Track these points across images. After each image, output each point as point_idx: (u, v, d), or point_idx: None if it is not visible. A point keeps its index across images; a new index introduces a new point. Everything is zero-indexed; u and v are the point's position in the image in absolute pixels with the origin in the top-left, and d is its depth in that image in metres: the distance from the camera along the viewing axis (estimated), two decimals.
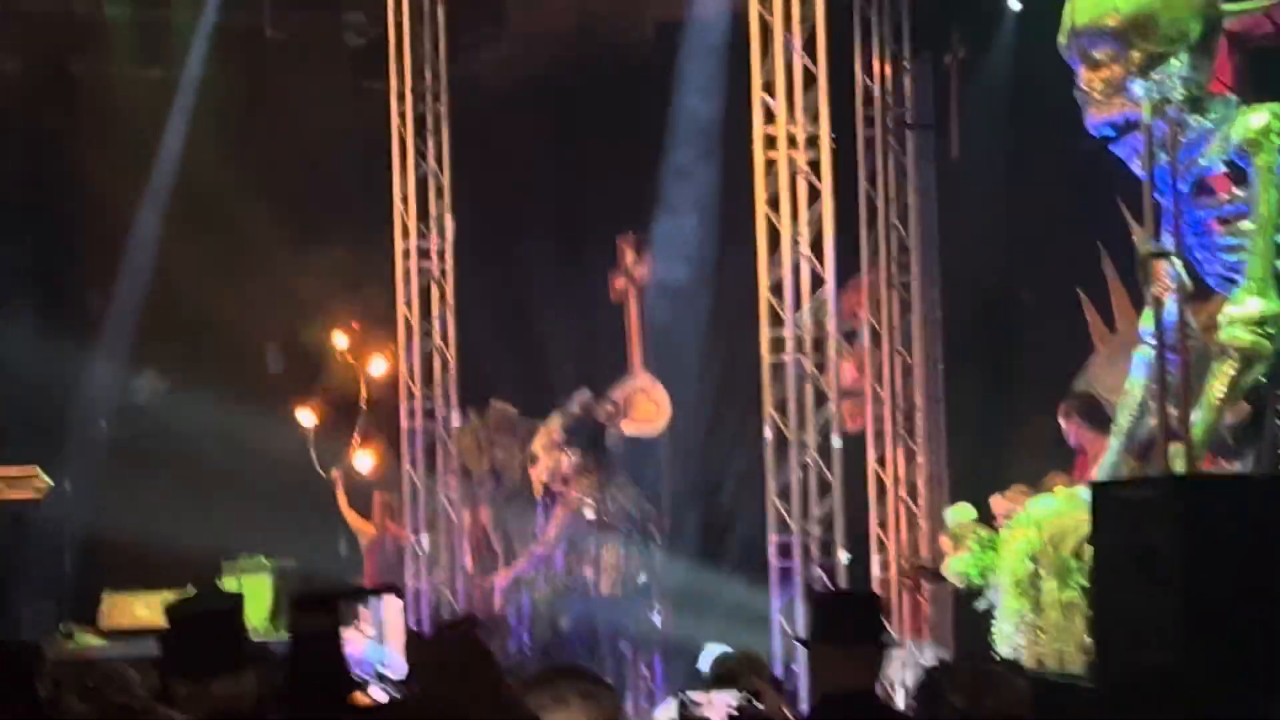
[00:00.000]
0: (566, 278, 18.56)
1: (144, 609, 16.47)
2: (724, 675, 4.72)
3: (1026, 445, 14.74)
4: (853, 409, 15.58)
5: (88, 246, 20.83)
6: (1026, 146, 15.06)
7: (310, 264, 19.70)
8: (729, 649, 9.38)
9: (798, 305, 14.17)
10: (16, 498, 16.68)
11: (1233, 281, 10.08)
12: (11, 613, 16.71)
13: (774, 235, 14.25)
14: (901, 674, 13.45)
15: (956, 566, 11.75)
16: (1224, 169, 10.19)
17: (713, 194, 16.34)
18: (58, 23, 19.50)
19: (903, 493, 15.79)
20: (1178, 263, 8.91)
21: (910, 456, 15.87)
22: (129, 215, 19.97)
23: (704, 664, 7.81)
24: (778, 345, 14.28)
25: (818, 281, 14.20)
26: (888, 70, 15.89)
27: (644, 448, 17.32)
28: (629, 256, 17.90)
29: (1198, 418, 9.47)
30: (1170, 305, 9.16)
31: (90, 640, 16.09)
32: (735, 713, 4.71)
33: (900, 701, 11.49)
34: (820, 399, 14.25)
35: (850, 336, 15.72)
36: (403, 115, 17.09)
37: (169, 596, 15.82)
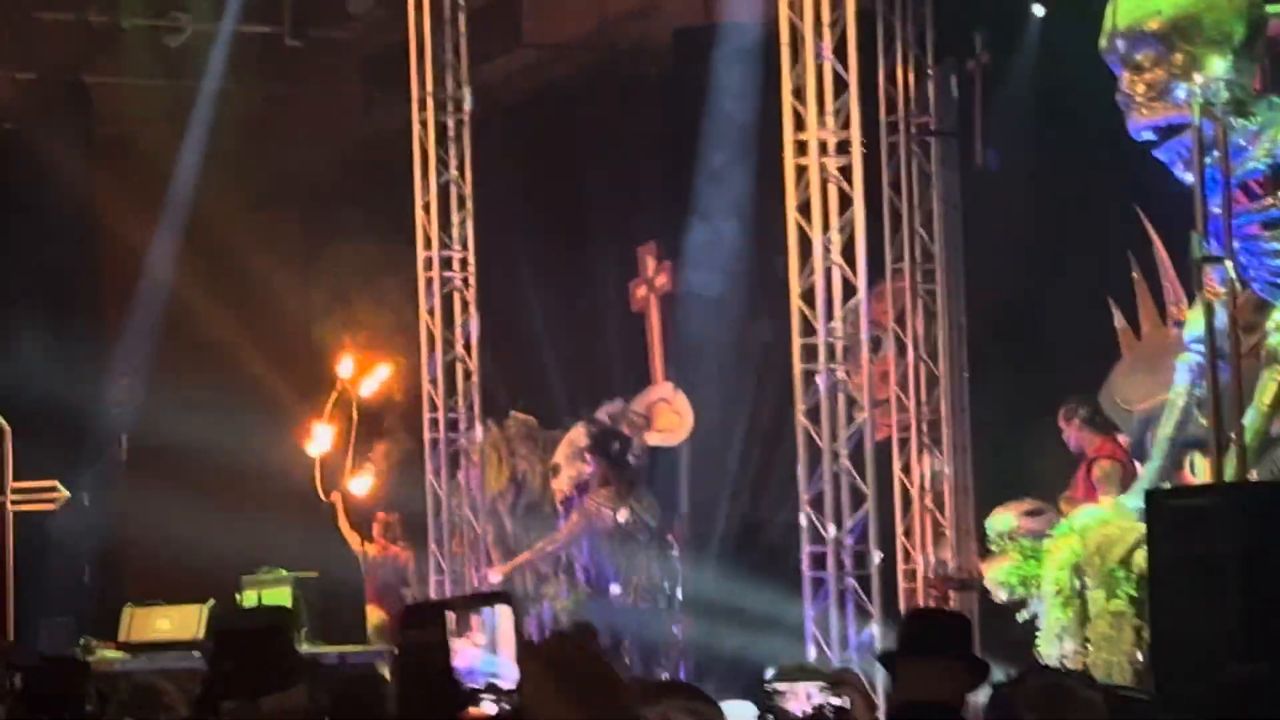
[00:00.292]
0: (586, 287, 18.48)
1: (164, 623, 16.37)
2: (828, 679, 4.60)
3: (1053, 454, 14.62)
4: (878, 418, 15.47)
5: (105, 259, 20.78)
6: (1051, 153, 14.94)
7: (327, 273, 19.64)
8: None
9: (829, 312, 14.07)
10: (35, 510, 16.63)
11: (1279, 287, 9.98)
12: (31, 627, 16.66)
13: (804, 242, 14.15)
14: None
15: (998, 576, 11.62)
16: (1267, 172, 10.09)
17: (741, 200, 16.23)
18: (72, 33, 19.42)
19: (928, 502, 15.66)
20: (1230, 267, 8.79)
21: (936, 466, 15.73)
22: (146, 228, 19.90)
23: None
24: (809, 353, 14.17)
25: (849, 288, 14.09)
26: (911, 77, 15.77)
27: (666, 457, 17.22)
28: (650, 265, 17.82)
29: (1247, 424, 9.36)
30: (1219, 311, 9.05)
31: (110, 654, 15.99)
32: (816, 708, 4.57)
33: None
34: (851, 407, 14.15)
35: (875, 344, 15.60)
36: (424, 123, 16.99)
37: (189, 610, 15.84)
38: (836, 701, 4.50)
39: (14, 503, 16.55)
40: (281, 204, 20.82)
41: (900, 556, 15.44)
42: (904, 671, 5.58)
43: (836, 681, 4.54)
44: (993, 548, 12.08)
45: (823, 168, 14.03)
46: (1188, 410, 10.20)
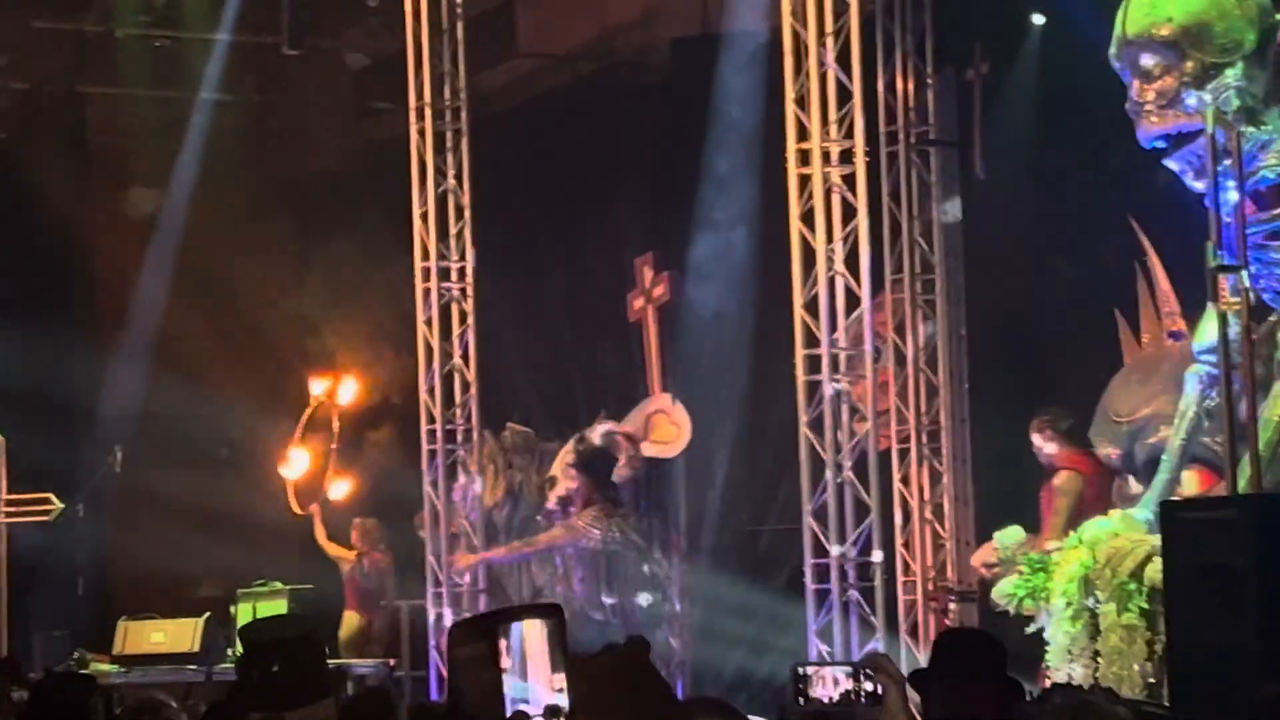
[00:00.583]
0: (583, 298, 18.41)
1: (159, 636, 16.30)
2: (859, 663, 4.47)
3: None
4: (878, 428, 15.40)
5: (99, 269, 20.69)
6: (1050, 163, 14.88)
7: (322, 284, 19.57)
8: None
9: (832, 323, 13.99)
10: (29, 522, 16.55)
11: None
12: (25, 640, 16.57)
13: (807, 252, 14.08)
14: None
15: (1005, 590, 11.52)
16: (1276, 181, 10.01)
17: (741, 211, 16.16)
18: (67, 43, 19.33)
19: (928, 513, 15.58)
20: (1246, 276, 8.72)
21: (935, 476, 15.66)
22: (140, 238, 19.82)
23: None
24: (812, 364, 14.10)
25: (851, 299, 14.02)
26: (910, 86, 15.71)
27: (664, 469, 17.14)
28: (647, 276, 17.74)
29: (1258, 435, 9.28)
30: (1232, 321, 8.97)
31: (104, 667, 15.92)
32: (844, 694, 4.44)
33: None
34: (853, 418, 14.08)
35: (874, 355, 15.53)
36: (422, 132, 16.91)
37: (184, 623, 15.75)
38: (869, 686, 4.37)
39: (8, 515, 16.48)
40: (275, 214, 20.72)
41: (900, 568, 15.37)
42: (937, 692, 5.50)
43: (869, 666, 4.41)
44: (999, 561, 11.99)
45: (826, 177, 13.96)
46: (1197, 421, 10.13)
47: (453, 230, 16.96)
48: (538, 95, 19.17)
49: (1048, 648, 10.45)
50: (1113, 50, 10.34)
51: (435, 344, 16.91)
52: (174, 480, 19.01)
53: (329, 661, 5.39)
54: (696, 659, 16.49)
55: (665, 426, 17.18)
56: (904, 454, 15.55)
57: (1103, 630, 9.94)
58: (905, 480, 15.54)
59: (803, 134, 14.12)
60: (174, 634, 16.17)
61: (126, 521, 19.11)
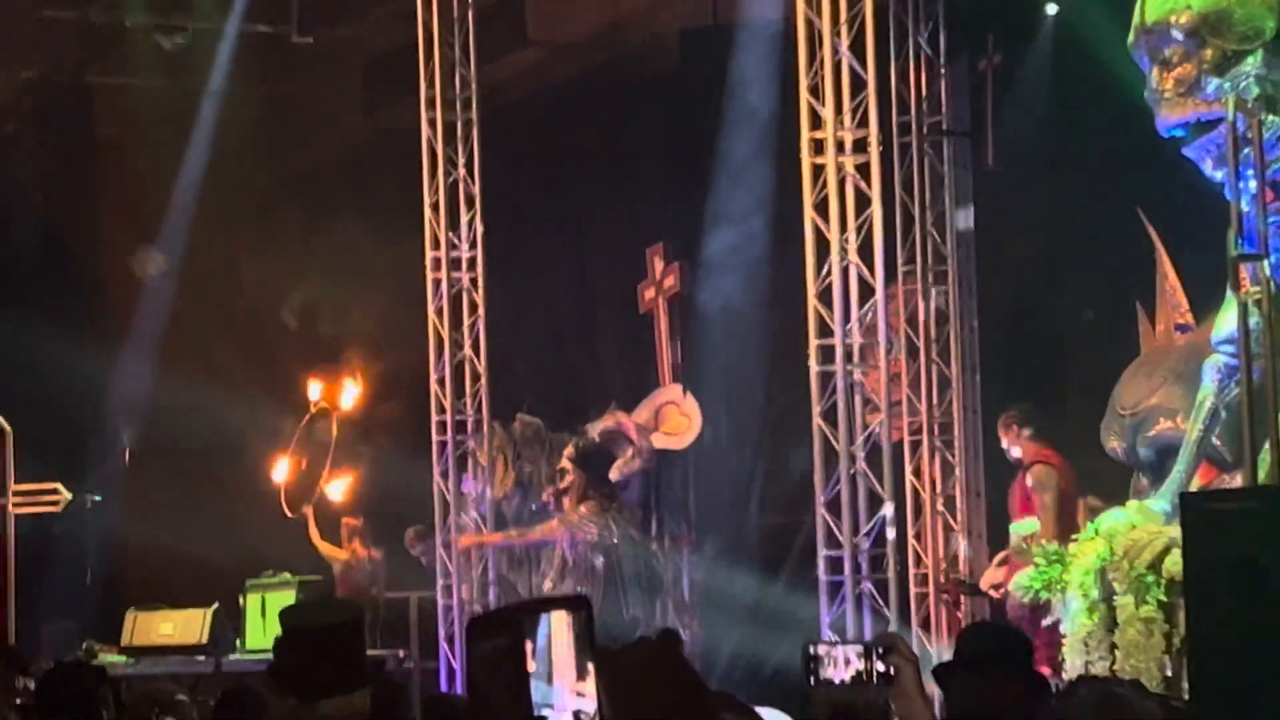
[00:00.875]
0: (594, 288, 18.34)
1: (167, 626, 16.26)
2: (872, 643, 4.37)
3: (1065, 455, 14.48)
4: (891, 419, 15.33)
5: (109, 260, 20.64)
6: (1064, 153, 14.81)
7: (331, 274, 19.53)
8: None
9: (846, 312, 13.92)
10: (37, 512, 16.50)
11: None
12: (33, 630, 16.54)
13: (821, 241, 14.01)
14: None
15: (1022, 582, 11.43)
16: None
17: (754, 201, 16.09)
18: (75, 33, 19.27)
19: (940, 505, 15.51)
20: (1266, 265, 8.63)
21: (947, 469, 15.59)
22: (150, 229, 19.77)
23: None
24: (826, 354, 14.03)
25: (865, 288, 13.95)
26: (923, 77, 15.63)
27: (674, 460, 17.07)
28: (658, 267, 17.68)
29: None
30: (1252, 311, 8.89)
31: (112, 658, 15.88)
32: (856, 674, 4.33)
33: None
34: (865, 409, 14.01)
35: (887, 346, 15.45)
36: (432, 122, 16.85)
37: (192, 614, 15.71)
38: (880, 667, 4.27)
39: (16, 505, 16.40)
40: (284, 204, 20.67)
41: (912, 560, 15.31)
42: (960, 687, 5.41)
43: (881, 646, 4.31)
44: (1016, 552, 11.90)
45: (840, 166, 13.89)
46: (1215, 413, 10.05)
47: (463, 220, 16.90)
48: (548, 86, 19.11)
49: (1064, 641, 10.38)
50: (1131, 38, 10.26)
51: (445, 334, 16.84)
52: (182, 471, 18.96)
53: (367, 652, 5.27)
54: (706, 651, 16.42)
55: (675, 418, 17.12)
56: (915, 446, 15.48)
57: (1120, 623, 9.86)
58: (917, 472, 15.47)
59: (816, 123, 14.05)
60: (182, 625, 16.12)
61: (135, 512, 19.07)
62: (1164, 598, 9.79)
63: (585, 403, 17.48)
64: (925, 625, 15.03)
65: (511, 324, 17.57)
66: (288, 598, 16.17)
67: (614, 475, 16.48)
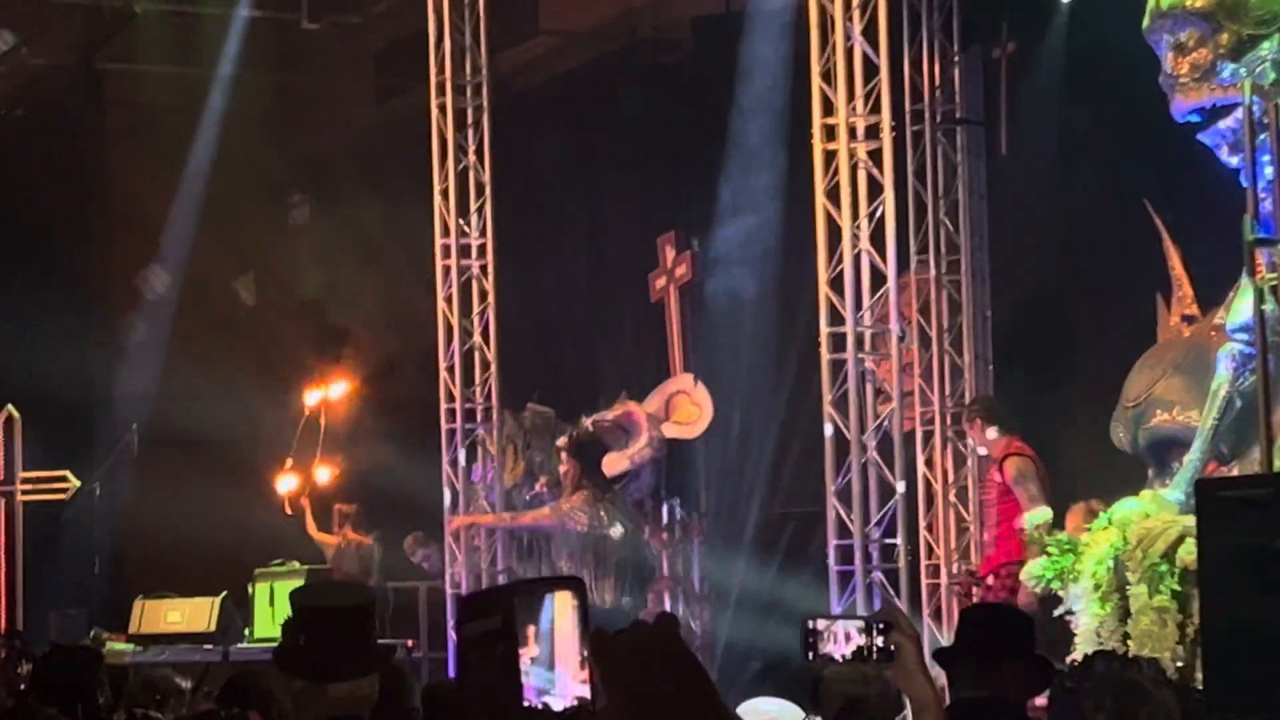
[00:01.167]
0: (605, 276, 18.29)
1: (175, 615, 16.20)
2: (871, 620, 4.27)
3: (1078, 448, 14.41)
4: (902, 409, 15.26)
5: (119, 246, 20.62)
6: (1077, 142, 14.73)
7: (341, 260, 19.49)
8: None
9: (858, 300, 13.84)
10: (46, 500, 16.48)
11: None
12: (41, 617, 16.51)
13: (832, 229, 13.93)
14: None
15: (1034, 571, 11.35)
16: None
17: (765, 189, 16.02)
18: (85, 18, 19.22)
19: (952, 496, 15.43)
20: None
21: (959, 459, 15.51)
22: (160, 215, 19.74)
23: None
24: (837, 342, 13.95)
25: (877, 276, 13.87)
26: (937, 65, 15.55)
27: (685, 449, 17.01)
28: (669, 256, 17.61)
29: None
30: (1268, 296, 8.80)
31: (120, 646, 15.83)
32: (856, 650, 4.23)
33: None
34: (878, 398, 13.94)
35: (899, 335, 15.38)
36: (442, 108, 16.78)
37: (200, 603, 15.67)
38: (881, 643, 4.17)
39: (25, 493, 16.39)
40: (295, 190, 20.64)
41: (924, 551, 15.24)
42: (962, 670, 5.33)
43: (881, 622, 4.21)
44: (1029, 541, 11.81)
45: (852, 153, 13.81)
46: (1230, 401, 9.96)
47: (473, 207, 16.84)
48: (560, 74, 19.06)
49: (1076, 631, 10.29)
50: (1146, 22, 10.17)
51: (455, 322, 16.78)
52: (191, 459, 18.92)
53: (376, 637, 5.18)
54: (716, 640, 16.37)
55: (687, 407, 17.05)
56: (928, 436, 15.41)
57: (1133, 613, 9.78)
58: (929, 463, 15.40)
59: (828, 109, 13.97)
60: (190, 613, 16.07)
61: (143, 500, 19.04)
62: (1178, 587, 9.71)
63: (596, 392, 17.41)
64: (937, 616, 14.96)
65: (522, 312, 17.51)
66: (296, 587, 16.09)
67: (625, 464, 16.40)
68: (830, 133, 13.93)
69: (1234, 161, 9.89)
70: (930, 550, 15.33)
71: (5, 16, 18.62)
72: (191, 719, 6.54)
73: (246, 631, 16.19)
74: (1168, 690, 5.20)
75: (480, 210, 16.85)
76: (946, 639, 14.34)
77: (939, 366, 15.50)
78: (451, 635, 16.23)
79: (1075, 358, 15.41)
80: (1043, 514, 12.04)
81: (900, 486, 13.70)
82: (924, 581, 15.18)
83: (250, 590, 16.50)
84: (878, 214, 13.88)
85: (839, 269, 13.92)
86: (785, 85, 15.51)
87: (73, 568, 17.58)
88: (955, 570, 15.07)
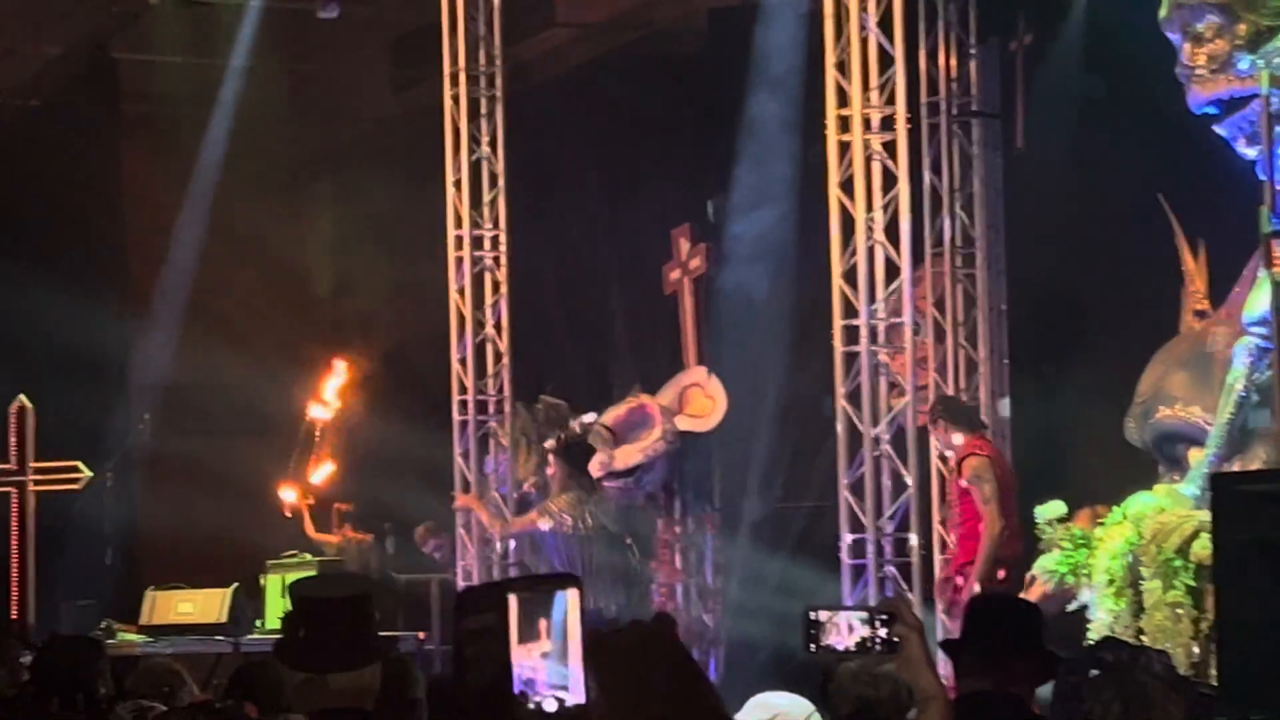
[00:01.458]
0: (619, 269, 18.24)
1: (187, 606, 16.15)
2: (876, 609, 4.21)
3: (1093, 443, 14.35)
4: (916, 403, 15.19)
5: (132, 237, 20.60)
6: (1094, 135, 14.67)
7: (355, 251, 19.46)
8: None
9: (871, 293, 13.79)
10: (57, 490, 16.44)
11: None
12: (52, 608, 16.48)
13: (846, 221, 13.87)
14: None
15: (1047, 565, 11.28)
16: None
17: (780, 181, 15.97)
18: (99, 7, 19.18)
19: None
20: None
21: None
22: (173, 205, 19.71)
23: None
24: (850, 335, 13.89)
25: (891, 268, 13.81)
26: (953, 57, 15.49)
27: (699, 443, 16.95)
28: (683, 248, 17.55)
29: None
30: None
31: (131, 637, 15.80)
32: (859, 641, 4.18)
33: None
34: (891, 391, 13.88)
35: (914, 328, 15.32)
36: (455, 99, 16.73)
37: (212, 594, 15.63)
38: (883, 633, 4.11)
39: (36, 483, 16.34)
40: (310, 180, 20.59)
41: (937, 545, 15.17)
42: (969, 661, 5.26)
43: (885, 613, 4.15)
44: (1041, 536, 11.74)
45: (866, 144, 13.76)
46: (1246, 396, 9.89)
47: (486, 198, 16.80)
48: (575, 66, 19.01)
49: (1089, 626, 10.23)
50: (1163, 13, 10.10)
51: (468, 313, 16.74)
52: (204, 449, 18.89)
53: (377, 628, 5.14)
54: (731, 637, 16.32)
55: (700, 400, 16.98)
56: None
57: (1147, 608, 9.72)
58: (943, 457, 15.33)
59: (843, 100, 13.92)
60: (202, 604, 16.02)
61: (155, 490, 19.00)
62: (1192, 582, 9.66)
63: (609, 384, 17.36)
64: (949, 611, 14.89)
65: (535, 304, 17.46)
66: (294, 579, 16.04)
67: (638, 457, 16.36)
68: (845, 124, 13.88)
69: (1251, 153, 9.83)
70: (944, 544, 15.26)
71: (19, 6, 18.60)
72: (186, 710, 6.48)
73: (258, 623, 16.14)
74: (1175, 695, 5.10)
75: (494, 201, 16.81)
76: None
77: (953, 360, 15.43)
78: None
79: (1090, 352, 15.35)
80: (1055, 507, 11.97)
81: (913, 480, 13.65)
82: (937, 576, 15.11)
83: (262, 582, 16.45)
84: (892, 206, 13.83)
85: (853, 261, 13.88)
86: (801, 77, 15.46)
87: (84, 558, 17.54)
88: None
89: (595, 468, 16.31)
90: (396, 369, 19.43)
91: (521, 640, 3.05)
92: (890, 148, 13.83)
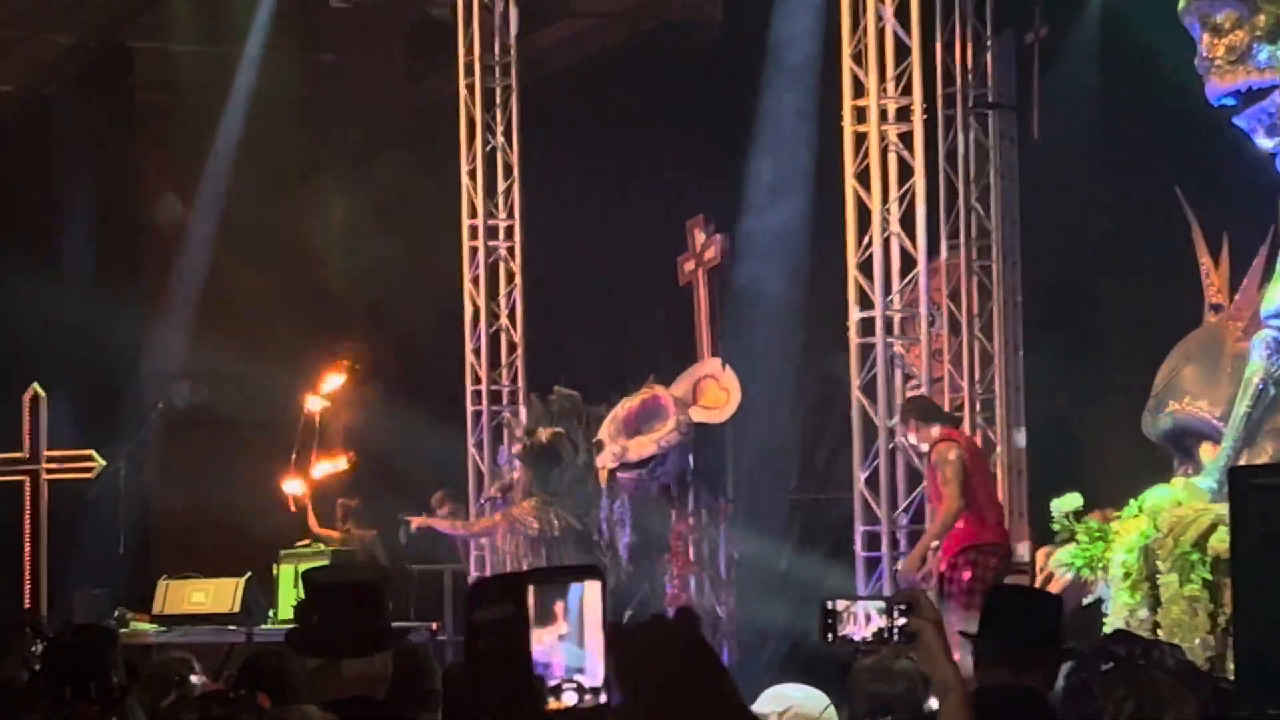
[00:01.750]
0: (633, 259, 18.21)
1: (200, 595, 16.16)
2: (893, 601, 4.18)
3: (1109, 435, 14.32)
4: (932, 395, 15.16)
5: (146, 225, 20.60)
6: (1110, 127, 14.63)
7: (370, 241, 19.44)
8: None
9: (887, 284, 13.75)
10: (70, 479, 16.44)
11: None
12: (65, 597, 16.49)
13: (862, 212, 13.84)
14: None
15: (1063, 558, 11.24)
16: None
17: (794, 172, 15.94)
18: None
19: None
20: None
21: (988, 446, 15.40)
22: (187, 194, 19.71)
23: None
24: (866, 326, 13.86)
25: (907, 260, 13.77)
26: (969, 48, 15.45)
27: (713, 434, 16.91)
28: (698, 239, 17.49)
29: None
30: None
31: (143, 626, 15.81)
32: (876, 632, 4.15)
33: None
34: (907, 383, 13.85)
35: (929, 320, 15.28)
36: (470, 88, 16.70)
37: (225, 583, 15.62)
38: (901, 624, 4.08)
39: (49, 471, 16.33)
40: (324, 171, 20.57)
41: None
42: (986, 653, 5.23)
43: (904, 603, 4.12)
44: (1056, 528, 11.70)
45: (882, 135, 13.72)
46: (1264, 389, 9.85)
47: (500, 188, 16.78)
48: (590, 56, 18.98)
49: (1106, 620, 10.19)
50: (1181, 4, 10.06)
51: (482, 304, 16.72)
52: (217, 438, 18.89)
53: (389, 616, 5.13)
54: (742, 627, 16.29)
55: (714, 391, 16.93)
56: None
57: (1163, 602, 9.69)
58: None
59: (859, 91, 13.88)
60: (215, 594, 16.03)
61: (168, 480, 19.00)
62: (1209, 576, 9.62)
63: (623, 375, 17.33)
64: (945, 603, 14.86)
65: (549, 295, 17.44)
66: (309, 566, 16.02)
67: (652, 449, 16.31)
68: (861, 115, 13.85)
69: (1269, 145, 9.79)
70: None
71: None
72: (199, 700, 6.46)
73: (271, 613, 16.14)
74: (1187, 690, 5.04)
75: (508, 192, 16.79)
76: (973, 626, 14.23)
77: (969, 352, 15.40)
78: None
79: (1106, 344, 15.32)
80: (1071, 500, 11.92)
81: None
82: (925, 568, 15.06)
83: (275, 571, 16.44)
84: (908, 197, 13.80)
85: (868, 252, 13.84)
86: (817, 67, 15.43)
87: (97, 547, 17.56)
88: None
89: (608, 459, 16.27)
90: (409, 359, 19.41)
91: (537, 624, 3.04)
92: (906, 139, 13.80)
